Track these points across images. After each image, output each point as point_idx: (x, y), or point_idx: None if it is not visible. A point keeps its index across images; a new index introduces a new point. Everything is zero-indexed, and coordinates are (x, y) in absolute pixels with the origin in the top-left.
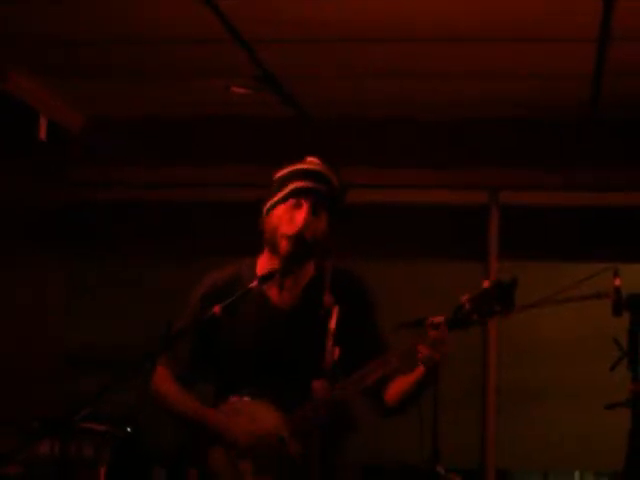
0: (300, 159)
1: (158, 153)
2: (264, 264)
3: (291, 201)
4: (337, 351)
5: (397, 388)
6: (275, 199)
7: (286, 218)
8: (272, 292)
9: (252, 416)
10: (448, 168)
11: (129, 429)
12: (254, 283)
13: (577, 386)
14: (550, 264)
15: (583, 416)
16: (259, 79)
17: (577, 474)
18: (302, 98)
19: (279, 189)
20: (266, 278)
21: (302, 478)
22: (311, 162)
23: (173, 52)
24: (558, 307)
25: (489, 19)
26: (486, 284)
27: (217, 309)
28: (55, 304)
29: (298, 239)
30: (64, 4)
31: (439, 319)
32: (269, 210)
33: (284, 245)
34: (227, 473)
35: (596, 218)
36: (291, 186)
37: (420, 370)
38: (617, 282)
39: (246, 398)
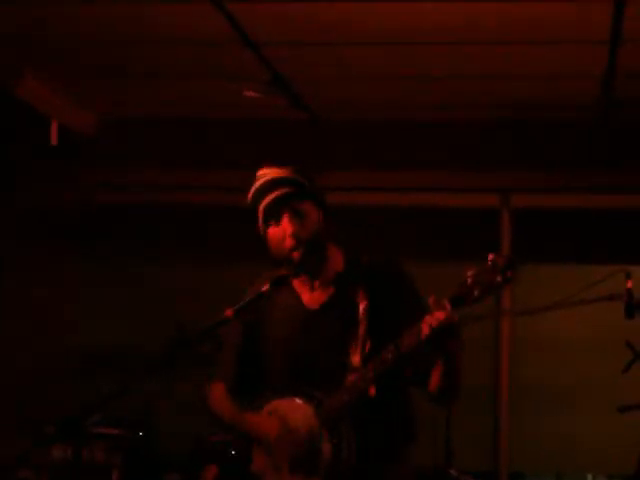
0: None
1: (169, 155)
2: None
3: (272, 220)
4: (368, 343)
5: (434, 378)
6: (260, 225)
7: (280, 236)
8: (304, 294)
9: (285, 415)
10: (459, 171)
11: (141, 433)
12: (265, 287)
13: (590, 389)
14: (562, 267)
15: (596, 419)
16: (269, 82)
17: (590, 477)
18: (311, 101)
19: (257, 216)
20: (277, 282)
21: (335, 476)
22: (263, 174)
23: (183, 54)
24: (571, 309)
25: (499, 23)
26: (489, 257)
27: (229, 312)
28: (70, 304)
29: (301, 244)
30: (77, 6)
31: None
32: (264, 236)
33: (296, 255)
34: (268, 473)
35: (608, 220)
36: (261, 209)
37: (437, 354)
38: (629, 284)
39: (282, 400)
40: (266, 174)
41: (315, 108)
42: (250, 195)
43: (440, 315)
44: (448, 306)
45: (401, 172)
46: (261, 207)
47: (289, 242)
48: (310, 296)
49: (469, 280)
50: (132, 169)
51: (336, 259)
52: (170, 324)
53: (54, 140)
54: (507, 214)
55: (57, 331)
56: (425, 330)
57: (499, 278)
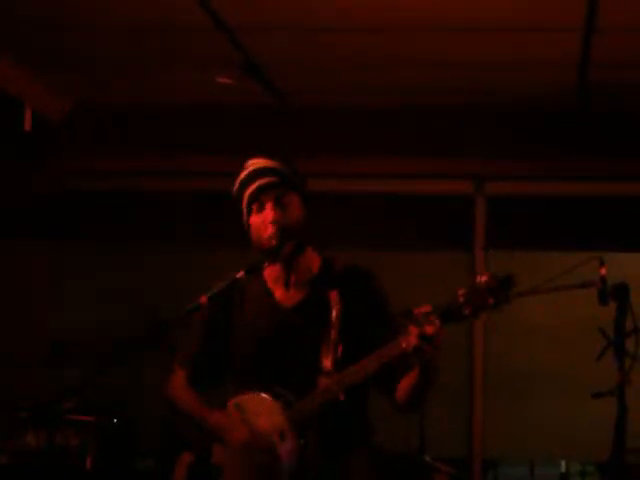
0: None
1: (140, 142)
2: (270, 272)
3: (254, 209)
4: (340, 348)
5: (403, 386)
6: (244, 214)
7: (261, 225)
8: (278, 290)
9: (250, 415)
10: (433, 158)
11: (115, 420)
12: (240, 273)
13: (563, 376)
14: (536, 254)
15: (569, 406)
16: (243, 67)
17: (563, 464)
18: (285, 87)
19: (241, 203)
20: (251, 270)
21: (299, 475)
22: (250, 164)
23: (157, 40)
24: (544, 297)
25: (473, 9)
26: (483, 278)
27: (204, 299)
28: (39, 291)
29: (279, 232)
30: None
31: (426, 309)
32: (247, 225)
33: (273, 243)
34: (230, 467)
35: (581, 208)
36: (245, 196)
37: (416, 368)
38: (603, 271)
39: (249, 395)
40: (254, 164)
41: (286, 94)
42: (236, 183)
43: (429, 330)
44: (437, 322)
45: (374, 159)
46: (246, 194)
47: (269, 229)
48: (284, 293)
49: (460, 298)
50: (103, 156)
51: (312, 261)
52: (141, 311)
53: (28, 126)
54: (482, 201)
55: (27, 318)
56: (413, 341)
57: (491, 300)
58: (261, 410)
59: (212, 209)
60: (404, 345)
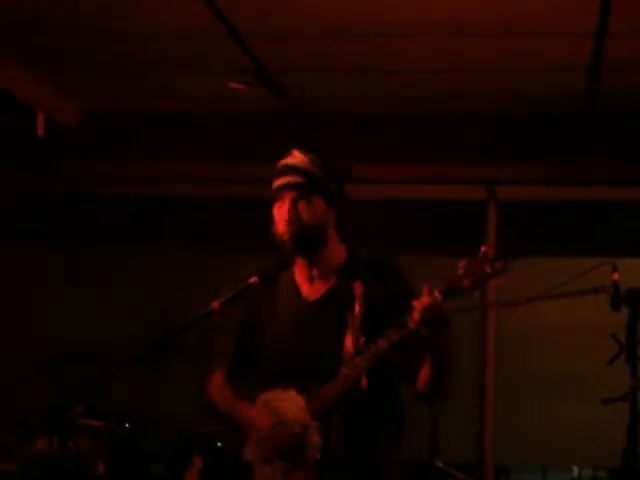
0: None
1: (151, 147)
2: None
3: (277, 201)
4: (362, 339)
5: (422, 374)
6: (271, 200)
7: (279, 218)
8: (303, 284)
9: (276, 407)
10: (446, 163)
11: (127, 425)
12: (253, 279)
13: (575, 381)
14: (548, 259)
15: (581, 411)
16: (254, 73)
17: (575, 469)
18: (296, 93)
19: (271, 192)
20: (263, 278)
21: (324, 467)
22: (290, 155)
23: (168, 46)
24: (556, 302)
25: (484, 14)
26: (482, 249)
27: (216, 304)
28: (45, 297)
29: (288, 235)
30: None
31: (427, 286)
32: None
33: (285, 242)
34: (258, 463)
35: (594, 213)
36: (273, 186)
37: (426, 346)
38: (615, 277)
39: (275, 391)
40: (289, 157)
41: (298, 100)
42: (275, 168)
43: (427, 300)
44: (437, 294)
45: (386, 165)
46: (273, 187)
47: (281, 227)
48: (309, 287)
49: (460, 271)
50: (115, 161)
51: (338, 253)
52: (154, 316)
53: (40, 131)
54: (493, 206)
55: (39, 323)
56: (416, 317)
57: (488, 269)
58: (286, 405)
59: (221, 216)
60: (410, 322)
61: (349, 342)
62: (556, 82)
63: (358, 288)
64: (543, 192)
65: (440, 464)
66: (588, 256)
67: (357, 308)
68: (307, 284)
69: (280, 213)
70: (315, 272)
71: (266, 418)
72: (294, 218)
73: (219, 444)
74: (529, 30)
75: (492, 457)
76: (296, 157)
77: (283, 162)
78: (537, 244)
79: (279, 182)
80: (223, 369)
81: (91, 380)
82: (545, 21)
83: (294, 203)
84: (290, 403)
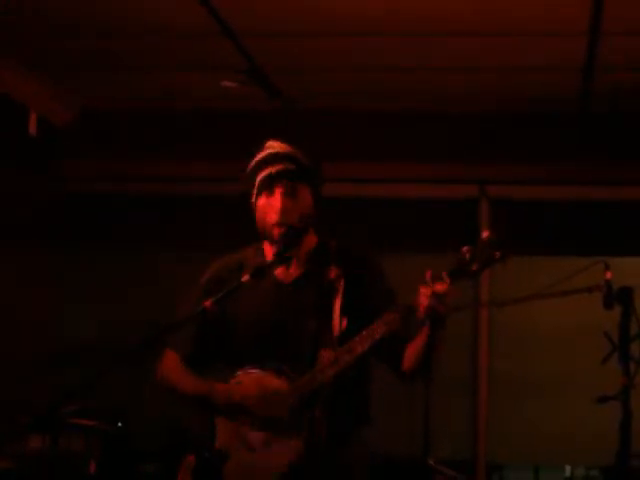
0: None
1: (150, 147)
2: (269, 250)
3: (265, 192)
4: (345, 322)
5: (409, 353)
6: (253, 194)
7: (268, 209)
8: (278, 269)
9: (258, 384)
10: (437, 162)
11: (119, 424)
12: (245, 277)
13: (568, 380)
14: (541, 257)
15: (574, 410)
16: (248, 72)
17: (568, 468)
18: (291, 91)
19: (252, 183)
20: (257, 273)
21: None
22: (270, 146)
23: (161, 45)
24: (549, 300)
25: (477, 13)
26: (485, 234)
27: (208, 304)
28: (43, 299)
29: (283, 225)
30: None
31: (429, 273)
32: (254, 205)
33: (276, 233)
34: (236, 446)
35: (586, 212)
36: (259, 178)
37: (425, 329)
38: (608, 276)
39: (252, 371)
40: (273, 146)
41: (292, 98)
42: (252, 163)
43: (440, 287)
44: (447, 279)
45: (378, 163)
46: (259, 177)
47: (274, 217)
48: (283, 271)
49: (466, 255)
50: (114, 161)
51: (310, 240)
52: (147, 314)
53: (33, 130)
54: (486, 205)
55: (39, 323)
56: (424, 301)
57: (497, 254)
58: (267, 382)
59: (219, 215)
60: (397, 319)
61: (328, 325)
62: (549, 82)
63: (335, 272)
64: (535, 191)
65: (432, 462)
66: (581, 255)
67: (339, 291)
68: (282, 268)
69: (270, 202)
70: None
71: (252, 390)
72: (288, 206)
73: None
74: (526, 30)
75: (485, 455)
76: (279, 146)
77: (265, 153)
78: (530, 243)
79: (267, 172)
80: (178, 352)
81: (83, 379)
82: (535, 20)
83: (287, 191)
84: (273, 382)
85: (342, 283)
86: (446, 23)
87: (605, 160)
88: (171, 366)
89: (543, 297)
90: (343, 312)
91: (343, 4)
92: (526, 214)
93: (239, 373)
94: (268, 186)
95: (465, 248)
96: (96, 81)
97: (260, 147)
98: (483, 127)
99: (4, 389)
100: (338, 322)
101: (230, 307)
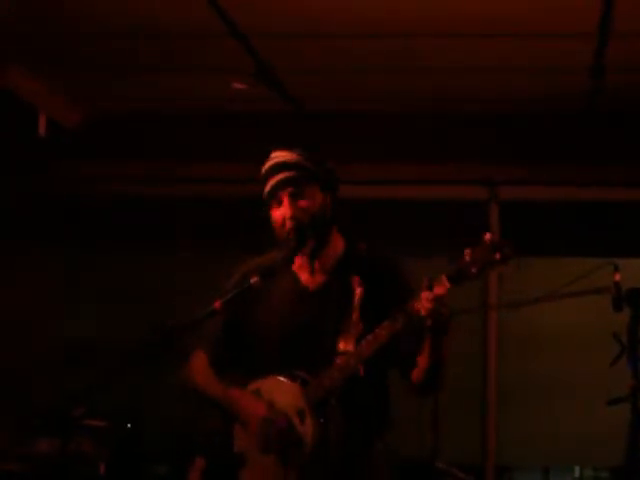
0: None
1: (152, 148)
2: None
3: (274, 203)
4: (361, 328)
5: (419, 365)
6: (268, 207)
7: (280, 219)
8: (303, 274)
9: (271, 395)
10: (447, 163)
11: (129, 425)
12: (254, 279)
13: (577, 381)
14: (550, 259)
15: (583, 412)
16: (258, 74)
17: (577, 469)
18: (300, 92)
19: (264, 197)
20: (266, 274)
21: (320, 454)
22: (274, 157)
23: (170, 46)
24: (558, 302)
25: (487, 14)
26: (486, 236)
27: (217, 304)
28: (53, 300)
29: (299, 227)
30: None
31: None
32: (271, 218)
33: (291, 244)
34: (251, 450)
35: (596, 213)
36: (266, 190)
37: (429, 336)
38: (617, 277)
39: (267, 379)
40: (273, 158)
41: (301, 100)
42: (262, 173)
43: (439, 290)
44: (447, 283)
45: (388, 164)
46: (265, 190)
47: (287, 224)
48: (308, 278)
49: (467, 258)
50: (116, 161)
51: (337, 245)
52: (154, 316)
53: (42, 131)
54: (495, 206)
55: (39, 324)
56: (426, 305)
57: (497, 256)
58: (279, 392)
59: (226, 217)
60: (418, 308)
61: (347, 335)
62: (559, 83)
63: (357, 281)
64: (545, 193)
65: (442, 464)
66: (590, 256)
67: (357, 301)
68: (307, 275)
69: (280, 212)
70: (316, 265)
71: (261, 409)
72: (296, 212)
73: (218, 440)
74: (530, 30)
75: (494, 457)
76: (280, 155)
77: (268, 164)
78: (539, 245)
79: (270, 184)
80: (206, 353)
81: (92, 380)
82: (545, 21)
83: (293, 197)
84: (284, 391)
85: (362, 292)
86: (454, 25)
87: (615, 161)
88: (199, 367)
89: (552, 299)
90: (361, 322)
91: (350, 6)
92: (535, 215)
93: (258, 379)
94: (275, 197)
95: (466, 251)
96: (103, 83)
97: (266, 158)
98: (492, 129)
99: (12, 391)
100: (354, 332)
101: (254, 309)
